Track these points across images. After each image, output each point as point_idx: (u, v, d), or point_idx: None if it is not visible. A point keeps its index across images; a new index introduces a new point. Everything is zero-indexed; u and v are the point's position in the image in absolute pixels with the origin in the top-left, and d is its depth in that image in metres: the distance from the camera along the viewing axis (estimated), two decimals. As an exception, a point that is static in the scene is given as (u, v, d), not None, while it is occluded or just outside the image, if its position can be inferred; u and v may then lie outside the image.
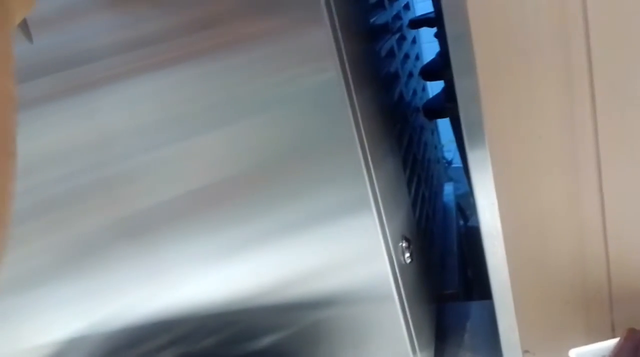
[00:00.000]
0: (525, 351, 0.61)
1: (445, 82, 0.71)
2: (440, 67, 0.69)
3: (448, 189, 1.09)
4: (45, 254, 0.56)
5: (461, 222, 1.08)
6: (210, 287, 0.54)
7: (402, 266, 0.52)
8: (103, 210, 0.52)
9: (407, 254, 0.54)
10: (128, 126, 0.48)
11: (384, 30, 0.66)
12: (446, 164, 1.31)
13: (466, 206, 1.14)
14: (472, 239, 1.02)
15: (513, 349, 0.61)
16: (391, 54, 0.66)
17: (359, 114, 0.45)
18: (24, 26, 0.34)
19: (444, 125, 1.05)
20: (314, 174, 0.46)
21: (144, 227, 0.52)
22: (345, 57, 0.44)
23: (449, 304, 0.76)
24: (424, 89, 0.91)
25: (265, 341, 0.56)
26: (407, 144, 0.66)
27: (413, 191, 0.66)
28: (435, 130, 1.05)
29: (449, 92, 0.72)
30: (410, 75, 0.78)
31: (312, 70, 0.43)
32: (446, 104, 0.71)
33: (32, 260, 0.57)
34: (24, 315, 0.62)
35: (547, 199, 0.55)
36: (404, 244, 0.54)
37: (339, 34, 0.43)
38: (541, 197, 0.55)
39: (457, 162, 1.38)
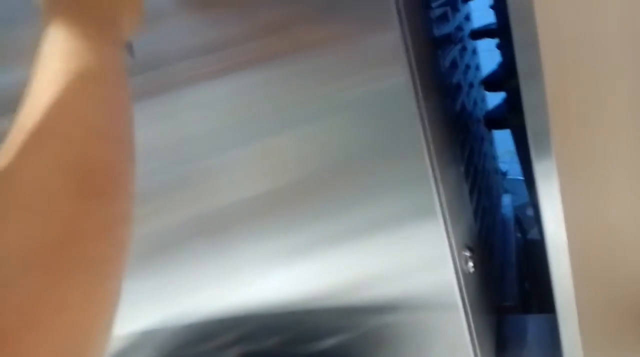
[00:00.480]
0: (590, 367, 0.60)
1: (506, 92, 0.71)
2: (502, 78, 0.69)
3: (506, 200, 1.08)
4: None
5: (519, 234, 1.06)
6: (278, 288, 0.56)
7: (466, 275, 0.53)
8: (180, 208, 0.55)
9: (471, 263, 0.54)
10: (205, 127, 0.51)
11: (448, 40, 0.67)
12: (501, 176, 1.29)
13: (523, 218, 1.12)
14: (531, 251, 1.00)
15: (577, 362, 0.60)
16: (454, 64, 0.67)
17: (426, 121, 0.46)
18: (129, 45, 0.38)
19: (499, 136, 1.04)
20: (382, 179, 0.48)
21: (217, 226, 0.54)
22: (414, 63, 0.45)
23: (508, 316, 0.75)
24: (483, 99, 0.90)
25: (329, 342, 0.58)
26: (468, 154, 0.66)
27: (474, 201, 0.66)
28: (492, 142, 1.04)
29: (511, 103, 0.72)
30: (471, 85, 0.78)
31: (382, 74, 0.45)
32: (508, 115, 0.71)
33: None
34: None
35: (615, 211, 0.54)
36: (467, 253, 0.54)
37: (408, 40, 0.45)
38: (609, 209, 0.54)
39: (513, 174, 1.36)
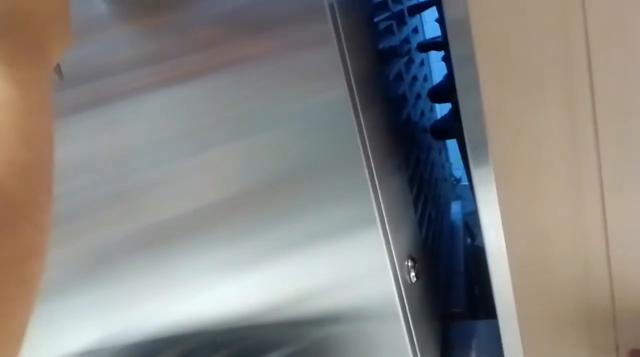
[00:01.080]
0: (529, 371, 0.61)
1: (452, 104, 0.73)
2: (447, 90, 0.70)
3: (456, 207, 1.10)
4: (61, 264, 0.58)
5: (469, 240, 1.08)
6: (220, 301, 0.55)
7: (408, 285, 0.53)
8: (119, 222, 0.54)
9: (413, 273, 0.55)
10: (144, 140, 0.50)
11: (393, 53, 0.68)
12: (454, 182, 1.31)
13: (473, 224, 1.15)
14: (478, 258, 1.02)
15: (518, 368, 0.61)
16: (399, 76, 0.68)
17: (365, 133, 0.47)
18: (57, 66, 0.36)
19: (453, 143, 1.06)
20: (323, 189, 0.48)
21: (158, 239, 0.53)
22: (352, 77, 0.46)
23: (455, 323, 0.76)
24: (431, 109, 0.92)
25: (273, 356, 0.57)
26: (414, 163, 0.67)
27: (419, 210, 0.67)
28: (443, 149, 1.06)
29: (456, 114, 0.73)
30: (419, 96, 0.79)
31: (321, 87, 0.45)
32: (453, 125, 0.72)
33: (48, 270, 0.59)
34: (39, 325, 0.63)
35: (551, 220, 0.55)
36: (409, 263, 0.55)
37: (347, 54, 0.45)
38: (544, 218, 0.56)
39: (466, 180, 1.39)
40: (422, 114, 0.81)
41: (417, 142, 0.73)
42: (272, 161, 0.49)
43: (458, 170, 1.37)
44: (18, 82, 0.28)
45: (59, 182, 0.54)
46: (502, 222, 0.56)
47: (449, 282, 0.83)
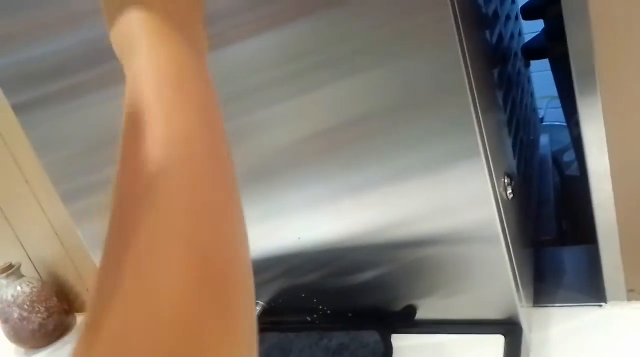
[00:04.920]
0: (630, 290, 0.60)
1: (546, 21, 0.69)
2: (541, 5, 0.67)
3: (544, 140, 1.06)
4: None
5: (557, 177, 1.05)
6: (322, 226, 0.58)
7: (506, 203, 0.53)
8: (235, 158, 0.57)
9: (510, 190, 0.55)
10: (252, 82, 0.52)
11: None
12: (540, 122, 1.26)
13: (560, 161, 1.11)
14: (568, 189, 0.99)
15: (618, 289, 0.60)
16: (490, -6, 0.65)
17: (467, 57, 0.46)
18: None
19: (535, 83, 1.01)
20: (425, 121, 0.48)
21: (267, 173, 0.57)
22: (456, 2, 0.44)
23: (546, 249, 0.75)
24: (520, 33, 0.88)
25: (369, 275, 0.59)
26: (506, 86, 0.65)
27: (513, 133, 0.65)
28: (530, 79, 1.02)
29: (550, 32, 0.70)
30: (508, 18, 0.76)
31: (425, 19, 0.44)
32: (547, 44, 0.69)
33: None
34: None
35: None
36: (506, 180, 0.54)
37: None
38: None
39: (549, 120, 1.33)
40: (512, 37, 0.77)
41: (509, 66, 0.70)
42: (373, 95, 0.49)
43: (541, 111, 1.31)
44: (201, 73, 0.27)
45: None
46: (607, 139, 0.54)
47: (539, 211, 0.82)
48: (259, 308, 0.65)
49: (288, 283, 0.64)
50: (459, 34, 0.44)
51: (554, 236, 0.79)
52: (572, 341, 0.58)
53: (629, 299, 0.61)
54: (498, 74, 0.61)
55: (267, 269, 0.63)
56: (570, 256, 0.73)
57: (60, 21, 0.57)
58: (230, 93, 0.53)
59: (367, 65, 0.48)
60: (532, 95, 1.00)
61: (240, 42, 0.51)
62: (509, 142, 0.62)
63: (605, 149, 0.54)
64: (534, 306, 0.64)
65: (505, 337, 0.52)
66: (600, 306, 0.62)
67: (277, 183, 0.57)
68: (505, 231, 0.52)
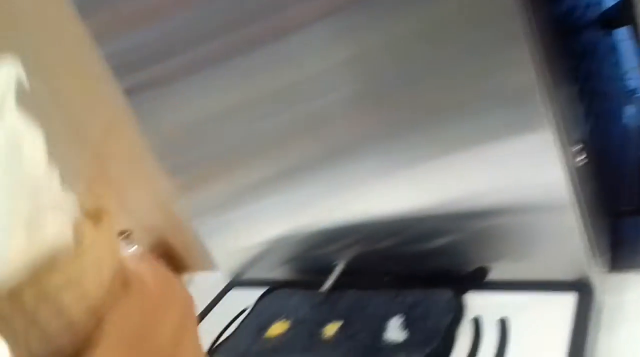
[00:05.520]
0: None
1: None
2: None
3: (630, 111, 1.03)
4: (267, 176, 0.71)
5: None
6: (395, 196, 0.63)
7: (576, 171, 0.55)
8: (305, 139, 0.64)
9: (580, 158, 0.56)
10: (316, 67, 0.58)
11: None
12: (629, 93, 1.21)
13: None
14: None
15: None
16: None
17: (533, 26, 0.48)
18: None
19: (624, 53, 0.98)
20: (492, 88, 0.51)
21: (342, 148, 0.63)
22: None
23: (625, 219, 0.75)
24: (599, 1, 0.86)
25: (439, 242, 0.64)
26: (580, 56, 0.66)
27: (586, 102, 0.66)
28: (613, 48, 0.99)
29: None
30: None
31: None
32: (626, 11, 0.68)
33: (258, 180, 0.73)
34: (247, 220, 0.78)
35: None
36: (577, 148, 0.56)
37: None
38: None
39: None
40: (588, 5, 0.77)
41: (583, 34, 0.70)
42: (445, 66, 0.52)
43: (632, 81, 1.25)
44: None
45: (259, 108, 0.65)
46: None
47: (621, 181, 0.81)
48: (339, 268, 0.72)
49: (365, 247, 0.70)
50: (525, 3, 0.47)
51: (635, 206, 0.78)
52: (647, 305, 0.59)
53: None
54: (570, 43, 0.62)
55: (346, 234, 0.70)
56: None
57: (165, 3, 0.64)
58: (301, 75, 0.59)
59: (432, 36, 0.51)
60: (617, 65, 0.97)
61: (309, 27, 0.56)
62: (581, 111, 0.63)
63: None
64: (611, 272, 0.65)
65: (576, 297, 0.55)
66: (679, 271, 0.62)
67: (354, 156, 0.63)
68: (576, 198, 0.54)
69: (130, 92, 0.77)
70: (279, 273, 0.81)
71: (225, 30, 0.62)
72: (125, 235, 1.02)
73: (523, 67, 0.48)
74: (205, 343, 0.73)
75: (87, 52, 0.88)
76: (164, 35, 0.67)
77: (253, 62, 0.62)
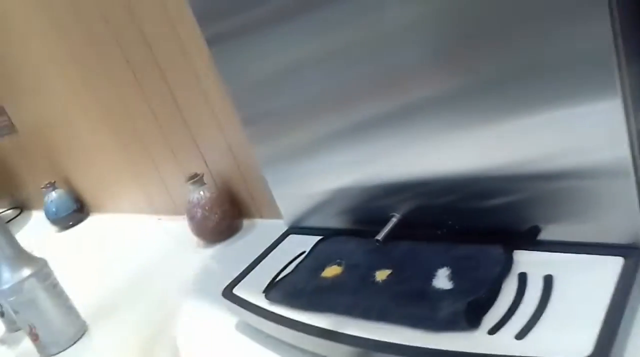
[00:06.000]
0: None
1: None
2: None
3: None
4: (333, 131, 0.75)
5: None
6: (457, 155, 0.65)
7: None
8: (374, 95, 0.67)
9: (647, 124, 0.56)
10: (397, 22, 0.60)
11: None
12: None
13: None
14: None
15: None
16: None
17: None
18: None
19: None
20: (563, 51, 0.52)
21: (408, 108, 0.65)
22: None
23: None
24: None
25: (500, 200, 0.65)
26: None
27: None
28: None
29: None
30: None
31: None
32: None
33: (324, 134, 0.77)
34: (314, 171, 0.83)
35: None
36: (644, 115, 0.56)
37: None
38: None
39: None
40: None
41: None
42: (513, 26, 0.54)
43: None
44: None
45: (328, 63, 0.68)
46: None
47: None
48: (395, 219, 0.75)
49: (422, 202, 0.73)
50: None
51: None
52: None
53: None
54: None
55: (405, 189, 0.73)
56: None
57: None
58: (376, 31, 0.62)
59: None
60: None
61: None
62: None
63: None
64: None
65: (624, 259, 0.56)
66: None
67: (422, 113, 0.65)
68: (637, 163, 0.54)
69: (211, 41, 0.83)
70: (336, 222, 0.86)
71: None
72: (197, 178, 1.10)
73: (600, 32, 0.49)
74: (266, 278, 0.80)
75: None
76: None
77: (330, 16, 0.65)
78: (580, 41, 0.50)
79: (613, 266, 0.56)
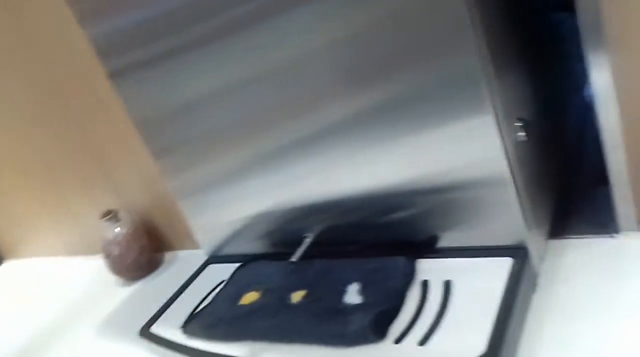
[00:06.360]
0: (640, 222, 0.66)
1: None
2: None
3: (583, 90, 1.07)
4: (245, 160, 0.76)
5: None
6: (360, 177, 0.68)
7: (517, 146, 0.60)
8: (280, 122, 0.69)
9: (523, 132, 0.61)
10: (299, 52, 0.62)
11: None
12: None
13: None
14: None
15: (628, 220, 0.66)
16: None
17: (477, 9, 0.52)
18: None
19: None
20: (435, 70, 0.56)
21: (311, 136, 0.68)
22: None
23: (572, 187, 0.80)
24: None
25: (400, 215, 0.69)
26: (531, 37, 0.71)
27: (538, 81, 0.71)
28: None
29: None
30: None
31: None
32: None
33: (238, 162, 0.78)
34: (229, 199, 0.83)
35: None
36: (519, 124, 0.61)
37: None
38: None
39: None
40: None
41: (546, 16, 0.75)
42: (385, 48, 0.57)
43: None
44: None
45: (235, 92, 0.69)
46: (615, 86, 0.59)
47: (579, 155, 0.86)
48: (308, 240, 0.77)
49: (333, 221, 0.75)
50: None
51: (588, 179, 0.83)
52: (584, 266, 0.65)
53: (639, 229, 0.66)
54: (522, 25, 0.67)
55: (317, 210, 0.75)
56: (590, 194, 0.77)
57: None
58: (279, 60, 0.64)
59: (388, 26, 0.56)
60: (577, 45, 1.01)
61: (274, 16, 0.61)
62: (529, 89, 0.68)
63: (609, 73, 0.59)
64: (553, 238, 0.71)
65: (512, 259, 0.60)
66: (613, 236, 0.67)
67: (325, 140, 0.68)
68: (513, 173, 0.59)
69: (114, 75, 0.81)
70: (255, 247, 0.86)
71: (208, 14, 0.66)
72: (111, 214, 1.07)
73: (468, 60, 0.53)
74: (185, 312, 0.79)
75: (76, 31, 0.91)
76: (146, 19, 0.71)
77: (236, 46, 0.67)
78: (452, 67, 0.55)
79: (503, 266, 0.60)
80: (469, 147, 0.58)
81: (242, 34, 0.65)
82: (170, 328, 0.76)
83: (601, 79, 0.60)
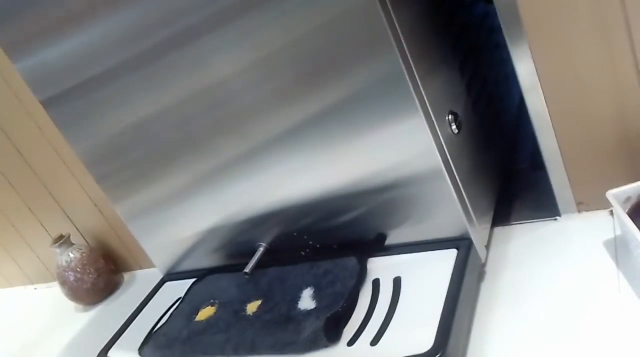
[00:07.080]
0: (579, 203, 0.67)
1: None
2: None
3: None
4: (190, 177, 0.76)
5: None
6: (306, 184, 0.68)
7: (450, 139, 0.61)
8: (220, 139, 0.69)
9: (454, 126, 0.62)
10: (227, 70, 0.62)
11: None
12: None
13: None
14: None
15: (567, 203, 0.68)
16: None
17: (391, 9, 0.53)
18: None
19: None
20: (361, 73, 0.56)
21: (249, 154, 0.68)
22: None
23: (514, 175, 0.82)
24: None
25: (346, 216, 0.69)
26: (459, 31, 0.72)
27: (468, 74, 0.72)
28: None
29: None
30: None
31: None
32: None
33: (182, 181, 0.77)
34: (178, 215, 0.82)
35: (582, 59, 0.59)
36: (450, 117, 0.62)
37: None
38: (576, 57, 0.59)
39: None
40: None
41: (472, 9, 0.76)
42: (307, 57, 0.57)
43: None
44: None
45: (169, 114, 0.68)
46: (535, 66, 0.60)
47: (515, 143, 0.89)
48: (261, 249, 0.77)
49: (284, 228, 0.75)
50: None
51: (528, 164, 0.86)
52: (529, 251, 0.67)
53: (579, 211, 0.68)
54: (447, 20, 0.68)
55: (266, 219, 0.74)
56: (532, 179, 0.80)
57: (79, 15, 0.66)
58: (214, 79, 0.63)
59: (312, 41, 0.56)
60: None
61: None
62: (460, 83, 0.69)
63: (533, 66, 0.60)
64: (498, 225, 0.73)
65: (457, 250, 0.61)
66: (555, 219, 0.69)
67: (266, 152, 0.68)
68: (447, 165, 0.60)
69: (47, 104, 0.79)
70: (209, 261, 0.85)
71: (135, 39, 0.65)
72: (62, 240, 1.04)
73: (391, 65, 0.54)
74: (143, 333, 0.77)
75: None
76: (75, 49, 0.69)
77: (166, 68, 0.66)
78: (377, 72, 0.56)
79: (449, 258, 0.61)
80: (404, 145, 0.59)
81: (171, 56, 0.65)
82: (127, 351, 0.75)
83: (524, 67, 0.61)
